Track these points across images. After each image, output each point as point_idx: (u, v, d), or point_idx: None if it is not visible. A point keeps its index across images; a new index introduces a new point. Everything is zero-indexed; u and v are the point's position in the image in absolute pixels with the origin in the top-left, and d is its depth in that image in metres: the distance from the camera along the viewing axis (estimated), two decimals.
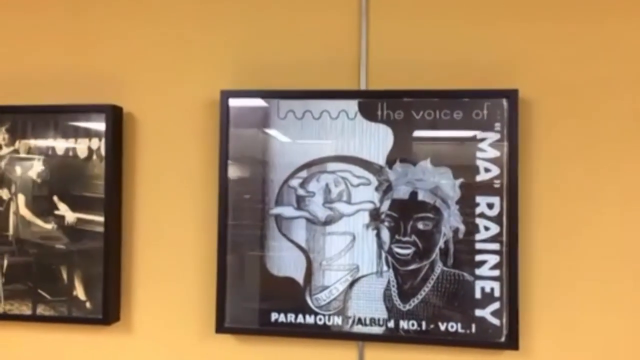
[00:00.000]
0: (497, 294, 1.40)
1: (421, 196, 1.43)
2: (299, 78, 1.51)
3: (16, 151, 1.58)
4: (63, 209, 1.56)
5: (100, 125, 1.54)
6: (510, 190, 1.39)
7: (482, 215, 1.41)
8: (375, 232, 1.45)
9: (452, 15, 1.47)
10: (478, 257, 1.41)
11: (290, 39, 1.53)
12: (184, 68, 1.57)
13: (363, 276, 1.45)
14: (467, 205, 1.41)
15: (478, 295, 1.40)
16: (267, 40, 1.54)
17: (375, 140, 1.45)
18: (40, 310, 1.56)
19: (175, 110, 1.57)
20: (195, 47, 1.56)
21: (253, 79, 1.53)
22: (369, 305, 1.44)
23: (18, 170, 1.58)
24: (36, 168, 1.57)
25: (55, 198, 1.56)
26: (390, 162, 1.44)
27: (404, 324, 1.42)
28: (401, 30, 1.49)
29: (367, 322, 1.44)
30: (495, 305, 1.40)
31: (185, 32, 1.57)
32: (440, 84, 1.46)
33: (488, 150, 1.41)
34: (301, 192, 1.48)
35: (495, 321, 1.40)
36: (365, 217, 1.45)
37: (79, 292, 1.55)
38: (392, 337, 1.43)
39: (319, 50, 1.51)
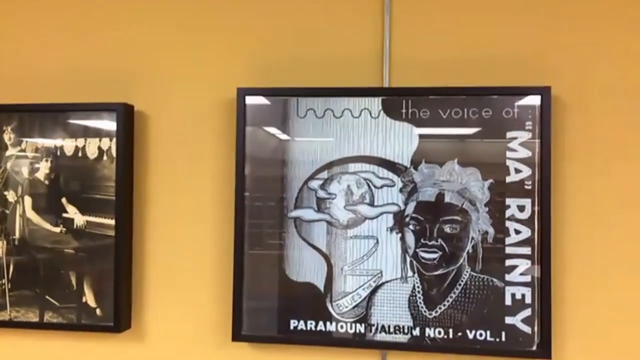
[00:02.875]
0: (528, 300, 1.33)
1: (448, 198, 1.36)
2: (320, 75, 1.45)
3: (23, 151, 1.52)
4: (72, 212, 1.49)
5: (111, 124, 1.47)
6: (542, 191, 1.33)
7: (512, 218, 1.34)
8: (399, 235, 1.38)
9: (479, 8, 1.41)
10: (508, 262, 1.34)
11: (311, 35, 1.46)
12: (198, 65, 1.50)
13: (387, 282, 1.38)
14: (496, 208, 1.35)
15: (508, 301, 1.34)
16: (286, 36, 1.47)
17: (400, 140, 1.39)
18: (48, 317, 1.50)
19: (189, 109, 1.50)
20: (210, 42, 1.50)
21: (271, 77, 1.47)
22: (393, 312, 1.38)
23: (24, 171, 1.52)
24: (44, 169, 1.51)
25: (63, 200, 1.50)
26: (415, 163, 1.38)
27: (430, 332, 1.36)
28: (426, 25, 1.43)
29: (391, 330, 1.38)
30: (527, 312, 1.33)
31: (200, 27, 1.50)
32: (467, 81, 1.39)
33: (519, 150, 1.35)
34: (322, 193, 1.41)
35: (526, 329, 1.33)
36: (389, 220, 1.39)
37: (89, 298, 1.48)
38: (418, 345, 1.36)
39: (340, 47, 1.45)
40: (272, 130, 1.43)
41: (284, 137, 1.42)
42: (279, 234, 1.42)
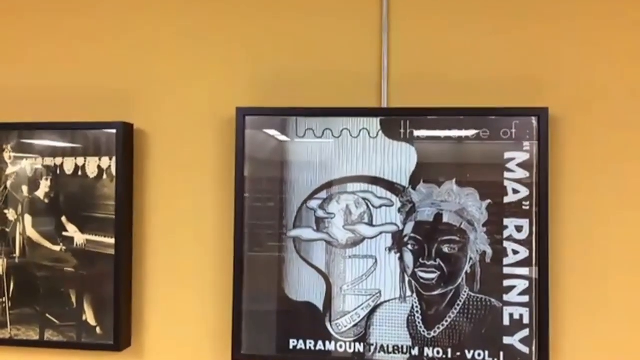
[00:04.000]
0: (526, 320, 1.34)
1: (446, 218, 1.37)
2: (318, 95, 1.46)
3: (22, 170, 1.52)
4: (72, 230, 1.50)
5: (110, 143, 1.48)
6: (540, 212, 1.33)
7: (510, 238, 1.35)
8: (398, 255, 1.39)
9: (477, 30, 1.42)
10: (506, 282, 1.35)
11: (309, 55, 1.47)
12: (197, 83, 1.51)
13: (385, 301, 1.39)
14: (494, 228, 1.36)
15: (506, 321, 1.35)
16: (285, 55, 1.48)
17: (398, 160, 1.40)
18: (49, 335, 1.50)
19: (188, 127, 1.51)
20: (208, 61, 1.51)
21: (270, 96, 1.48)
22: (391, 331, 1.39)
23: (24, 189, 1.52)
24: (44, 188, 1.51)
25: (63, 219, 1.50)
26: (413, 183, 1.39)
27: (428, 352, 1.37)
28: (424, 46, 1.44)
29: (390, 349, 1.38)
30: (525, 333, 1.34)
31: (199, 46, 1.51)
32: (465, 102, 1.40)
33: (517, 171, 1.35)
34: (321, 213, 1.42)
35: (524, 349, 1.34)
36: (387, 240, 1.39)
37: (89, 316, 1.49)
38: None
39: (339, 67, 1.46)
40: (272, 149, 1.44)
41: (283, 156, 1.43)
42: (278, 253, 1.43)
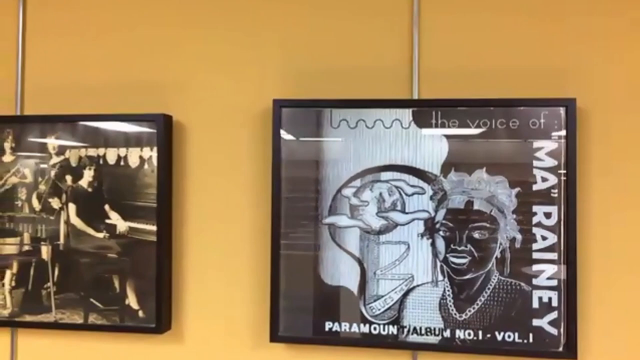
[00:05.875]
0: (554, 303, 1.39)
1: (477, 205, 1.42)
2: (352, 87, 1.51)
3: (66, 160, 1.59)
4: (114, 218, 1.56)
5: (151, 134, 1.54)
6: (568, 199, 1.38)
7: (539, 224, 1.40)
8: (430, 241, 1.44)
9: (506, 22, 1.47)
10: (535, 267, 1.40)
11: (343, 49, 1.52)
12: (234, 76, 1.57)
13: (418, 285, 1.45)
14: (523, 215, 1.41)
15: (535, 304, 1.40)
16: (320, 50, 1.53)
17: (430, 149, 1.45)
18: (92, 319, 1.57)
19: (225, 118, 1.57)
20: (246, 57, 1.56)
21: (304, 87, 1.53)
22: (424, 314, 1.44)
23: (68, 179, 1.58)
24: (87, 177, 1.58)
25: (106, 207, 1.56)
26: (445, 171, 1.44)
27: (460, 334, 1.42)
28: (453, 38, 1.49)
29: (423, 331, 1.44)
30: (553, 315, 1.39)
31: (236, 41, 1.57)
32: (495, 93, 1.45)
33: (545, 160, 1.40)
34: (355, 201, 1.47)
35: (552, 330, 1.39)
36: (419, 226, 1.45)
37: (132, 300, 1.55)
38: (448, 346, 1.43)
39: (371, 59, 1.51)
40: (307, 140, 1.49)
41: (318, 146, 1.48)
42: (314, 240, 1.48)
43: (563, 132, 1.39)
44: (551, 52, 1.45)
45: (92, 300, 1.57)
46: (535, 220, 1.40)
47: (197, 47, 1.58)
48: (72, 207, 1.58)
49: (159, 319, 1.52)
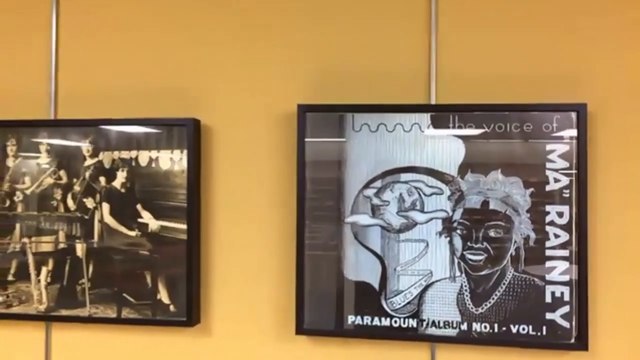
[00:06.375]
0: (566, 298, 1.47)
1: (492, 205, 1.50)
2: (372, 91, 1.59)
3: (100, 162, 1.67)
4: (147, 217, 1.64)
5: (181, 138, 1.61)
6: (579, 199, 1.46)
7: (552, 223, 1.48)
8: (448, 239, 1.52)
9: (520, 31, 1.54)
10: (548, 263, 1.48)
11: (364, 55, 1.60)
12: (259, 83, 1.64)
13: (436, 281, 1.52)
14: (537, 214, 1.48)
15: (548, 299, 1.47)
16: (341, 56, 1.61)
17: (447, 152, 1.52)
18: (125, 313, 1.65)
19: (250, 122, 1.65)
20: (270, 63, 1.64)
21: (327, 92, 1.61)
22: (442, 308, 1.52)
23: (102, 180, 1.67)
24: (120, 178, 1.66)
25: (138, 206, 1.64)
26: (462, 173, 1.52)
27: (476, 327, 1.50)
28: (469, 45, 1.56)
29: (441, 324, 1.51)
30: (565, 309, 1.47)
31: (261, 49, 1.65)
32: (509, 98, 1.53)
33: (557, 162, 1.48)
34: (376, 201, 1.55)
35: (565, 324, 1.47)
36: (438, 225, 1.52)
37: (163, 295, 1.63)
38: (466, 339, 1.50)
39: (391, 66, 1.59)
40: (330, 142, 1.57)
41: (340, 149, 1.56)
42: (337, 237, 1.56)
43: (574, 135, 1.47)
44: (563, 60, 1.52)
45: (125, 295, 1.65)
46: (548, 219, 1.48)
47: (224, 55, 1.66)
48: (105, 206, 1.67)
49: (189, 312, 1.60)
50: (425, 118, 1.54)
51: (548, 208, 1.48)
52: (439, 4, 1.57)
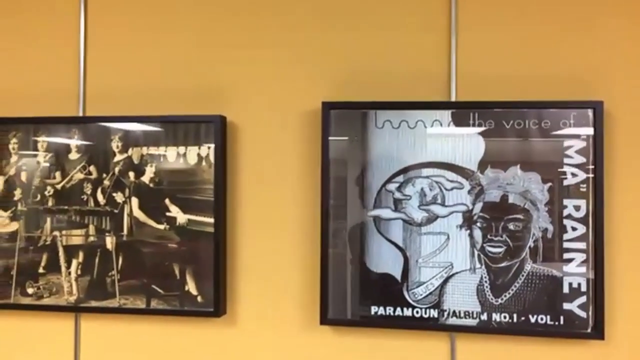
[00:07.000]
0: (583, 288, 1.52)
1: (511, 199, 1.55)
2: (394, 89, 1.64)
3: (129, 158, 1.72)
4: (174, 211, 1.69)
5: (208, 134, 1.67)
6: (596, 193, 1.51)
7: (569, 216, 1.53)
8: (468, 232, 1.57)
9: (538, 30, 1.59)
10: (566, 255, 1.53)
11: (387, 55, 1.65)
12: (284, 81, 1.70)
13: (457, 272, 1.57)
14: (555, 208, 1.53)
15: (566, 290, 1.53)
16: (364, 55, 1.66)
17: (468, 148, 1.58)
18: (154, 304, 1.70)
19: (275, 119, 1.70)
20: (295, 62, 1.69)
21: (350, 90, 1.66)
22: (463, 299, 1.57)
23: (131, 175, 1.72)
24: (149, 173, 1.71)
25: (167, 201, 1.70)
26: (482, 168, 1.57)
27: (496, 317, 1.55)
28: (489, 45, 1.61)
29: (462, 315, 1.57)
30: (582, 299, 1.52)
31: (286, 49, 1.70)
32: (528, 95, 1.58)
33: (574, 157, 1.53)
34: (398, 195, 1.60)
35: (582, 313, 1.52)
36: (458, 218, 1.58)
37: (191, 287, 1.68)
38: (485, 328, 1.55)
39: (412, 65, 1.64)
40: (353, 139, 1.62)
41: (364, 145, 1.61)
42: (360, 231, 1.61)
43: (591, 132, 1.52)
44: (580, 59, 1.57)
45: (153, 286, 1.70)
46: (565, 212, 1.53)
47: (250, 55, 1.72)
48: (134, 200, 1.72)
49: (217, 303, 1.65)
50: (446, 115, 1.59)
51: (565, 202, 1.53)
52: (458, 6, 1.62)
